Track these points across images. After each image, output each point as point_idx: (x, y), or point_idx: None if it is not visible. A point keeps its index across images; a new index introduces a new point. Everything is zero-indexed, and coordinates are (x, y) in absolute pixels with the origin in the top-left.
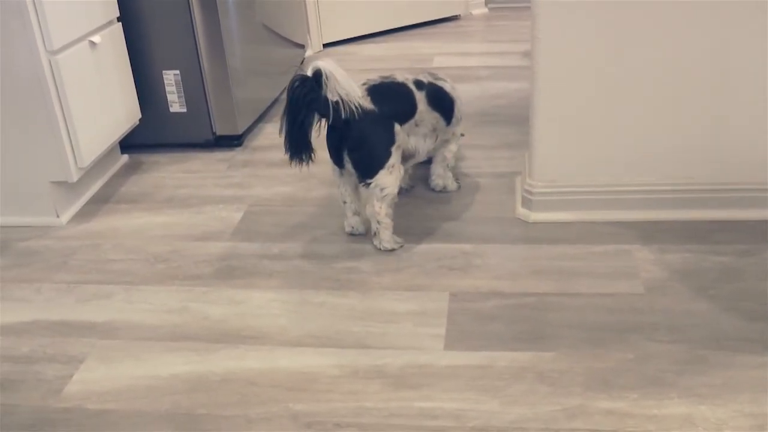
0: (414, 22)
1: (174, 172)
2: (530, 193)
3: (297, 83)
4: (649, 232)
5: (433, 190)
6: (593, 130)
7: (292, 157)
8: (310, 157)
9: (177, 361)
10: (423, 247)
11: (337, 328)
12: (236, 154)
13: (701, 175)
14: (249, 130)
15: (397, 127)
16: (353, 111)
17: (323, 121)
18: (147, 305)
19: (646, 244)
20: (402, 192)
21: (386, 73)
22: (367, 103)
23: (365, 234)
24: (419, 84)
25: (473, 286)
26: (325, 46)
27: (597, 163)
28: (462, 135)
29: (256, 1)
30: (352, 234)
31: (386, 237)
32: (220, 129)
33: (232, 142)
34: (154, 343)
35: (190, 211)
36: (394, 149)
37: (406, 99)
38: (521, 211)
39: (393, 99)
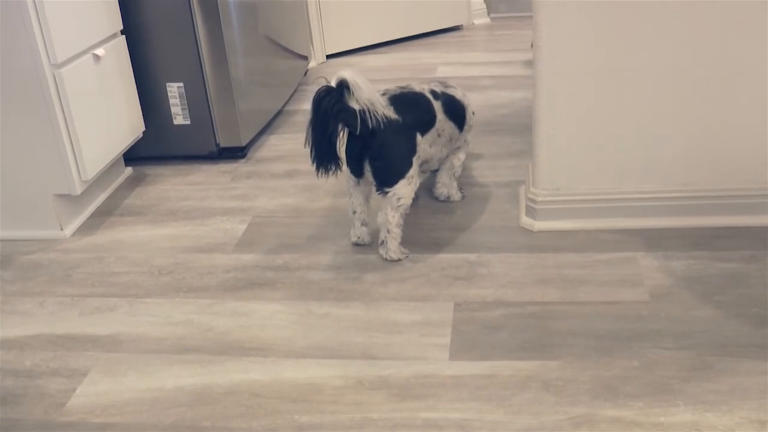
0: (417, 33)
1: (178, 184)
2: (534, 201)
3: (323, 94)
4: (654, 240)
5: (437, 199)
6: (596, 138)
7: (319, 168)
8: (338, 166)
9: (181, 373)
10: (427, 257)
11: (342, 339)
12: (240, 166)
13: (705, 182)
14: (253, 141)
15: (418, 137)
16: (379, 121)
17: (345, 131)
18: (151, 318)
19: (650, 252)
20: None
21: (402, 84)
22: (391, 113)
23: (370, 244)
24: (435, 94)
25: (478, 295)
26: (329, 57)
27: (600, 171)
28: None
29: (259, 12)
30: (357, 244)
31: (394, 247)
32: (224, 141)
33: (235, 153)
34: (158, 356)
35: (194, 223)
36: (414, 159)
37: (426, 109)
38: (525, 220)
39: (414, 109)
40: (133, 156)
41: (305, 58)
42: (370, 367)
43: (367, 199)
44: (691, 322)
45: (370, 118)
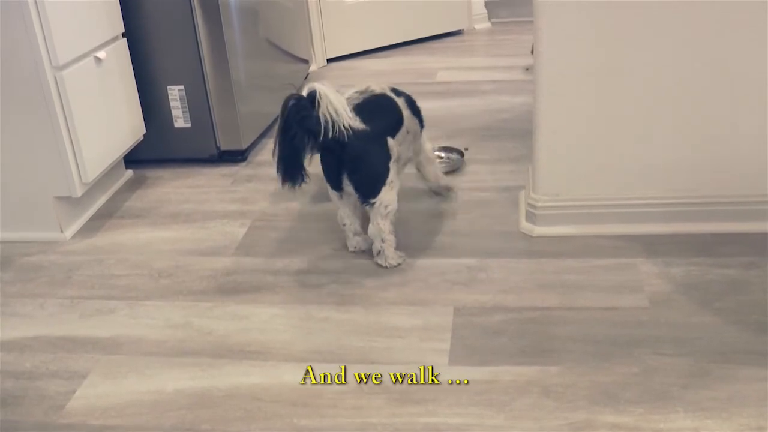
0: (418, 37)
1: (178, 187)
2: (534, 207)
3: (291, 102)
4: (654, 246)
5: (436, 193)
6: (596, 144)
7: (284, 180)
8: (303, 179)
9: (181, 376)
10: (427, 262)
11: (341, 343)
12: (240, 169)
13: (705, 188)
14: (253, 145)
15: (390, 141)
16: (345, 133)
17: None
18: (151, 320)
19: (650, 258)
20: None
21: (359, 88)
22: (358, 123)
23: (369, 250)
24: (396, 92)
25: (477, 300)
26: (329, 61)
27: (600, 177)
28: (466, 149)
29: (261, 16)
30: (356, 252)
31: (391, 254)
32: (225, 144)
33: (236, 157)
34: (157, 359)
35: (194, 226)
36: (391, 164)
37: (392, 110)
38: (525, 225)
39: (381, 114)
40: (133, 158)
41: (306, 61)
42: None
43: (354, 209)
44: (691, 329)
45: (333, 127)
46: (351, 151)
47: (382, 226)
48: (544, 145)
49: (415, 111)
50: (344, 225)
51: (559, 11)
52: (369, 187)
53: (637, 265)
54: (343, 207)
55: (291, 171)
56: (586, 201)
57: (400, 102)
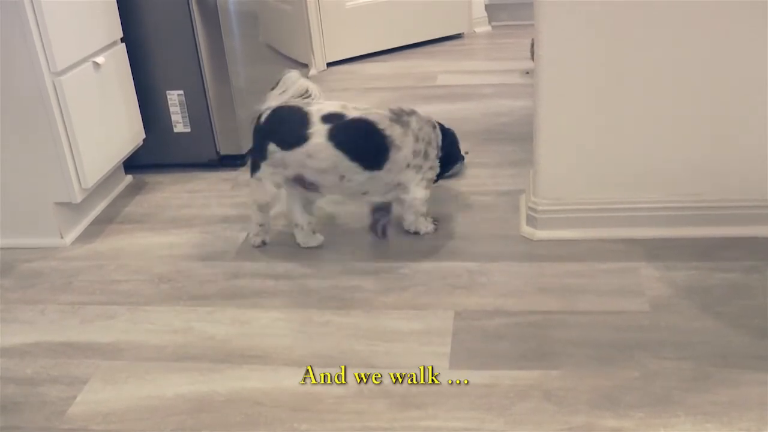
0: (418, 41)
1: (178, 192)
2: (535, 210)
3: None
4: (655, 250)
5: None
6: (597, 148)
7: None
8: None
9: (182, 381)
10: (427, 266)
11: (342, 347)
12: (240, 174)
13: (706, 192)
14: None
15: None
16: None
17: None
18: (151, 326)
19: (651, 262)
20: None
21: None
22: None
23: (373, 252)
24: (330, 118)
25: (478, 304)
26: (329, 65)
27: (601, 181)
28: (466, 153)
29: (260, 20)
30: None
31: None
32: (224, 149)
33: (236, 161)
34: (158, 364)
35: (194, 231)
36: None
37: (295, 126)
38: (526, 229)
39: (281, 122)
40: (133, 164)
41: (305, 66)
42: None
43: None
44: (692, 333)
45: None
46: None
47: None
48: (544, 148)
49: (346, 144)
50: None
51: (560, 14)
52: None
53: (639, 269)
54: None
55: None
56: (587, 205)
57: (320, 127)
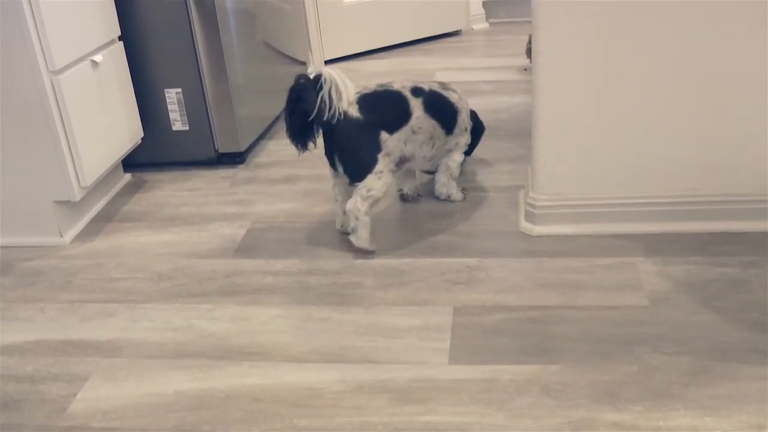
0: (416, 38)
1: (177, 190)
2: (533, 206)
3: (294, 83)
4: (653, 245)
5: (437, 198)
6: (595, 143)
7: (292, 143)
8: (305, 147)
9: (181, 378)
10: (426, 262)
11: (342, 343)
12: (239, 172)
13: (705, 187)
14: (251, 147)
15: (383, 134)
16: (337, 117)
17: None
18: (151, 323)
19: (649, 257)
20: (409, 199)
21: (386, 81)
22: (354, 111)
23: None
24: (417, 91)
25: (477, 300)
26: (327, 62)
27: (599, 176)
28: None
29: (258, 18)
30: (343, 232)
31: (364, 235)
32: (223, 146)
33: (234, 159)
34: (158, 361)
35: (193, 229)
36: (380, 156)
37: (397, 106)
38: (524, 225)
39: (383, 107)
40: (131, 162)
41: (303, 63)
42: (370, 372)
43: (347, 188)
44: (691, 327)
45: (329, 110)
46: (338, 135)
47: (359, 205)
48: (543, 144)
49: (437, 114)
50: (336, 201)
51: (558, 11)
52: (355, 172)
53: (637, 264)
54: (338, 185)
55: (294, 140)
56: (586, 200)
57: (415, 102)
